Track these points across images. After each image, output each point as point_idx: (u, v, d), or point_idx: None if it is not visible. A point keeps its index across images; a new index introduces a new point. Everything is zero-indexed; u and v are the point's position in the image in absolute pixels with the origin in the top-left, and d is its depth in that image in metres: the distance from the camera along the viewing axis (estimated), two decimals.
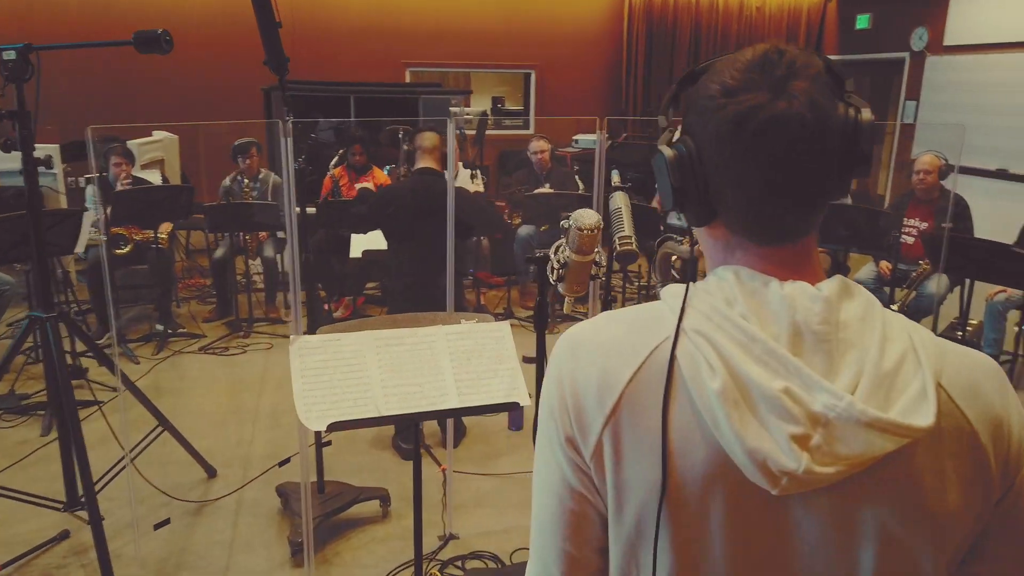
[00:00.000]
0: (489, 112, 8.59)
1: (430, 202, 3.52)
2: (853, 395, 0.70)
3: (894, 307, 4.80)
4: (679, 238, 1.55)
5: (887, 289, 4.93)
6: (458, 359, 2.08)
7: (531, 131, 9.15)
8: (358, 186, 5.40)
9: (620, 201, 1.66)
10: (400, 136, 5.92)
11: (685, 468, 0.74)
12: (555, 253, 1.68)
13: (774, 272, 0.76)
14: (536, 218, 5.68)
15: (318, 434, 3.03)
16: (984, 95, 7.67)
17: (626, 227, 1.58)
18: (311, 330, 2.39)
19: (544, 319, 2.20)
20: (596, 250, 1.58)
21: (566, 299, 1.74)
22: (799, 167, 0.73)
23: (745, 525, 0.74)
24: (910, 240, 4.87)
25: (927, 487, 0.72)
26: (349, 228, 4.88)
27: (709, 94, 0.76)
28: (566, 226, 1.62)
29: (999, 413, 0.75)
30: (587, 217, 1.57)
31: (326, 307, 5.43)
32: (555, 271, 1.67)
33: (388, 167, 5.93)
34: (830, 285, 0.75)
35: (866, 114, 0.74)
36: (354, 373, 1.97)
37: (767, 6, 9.75)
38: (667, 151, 0.79)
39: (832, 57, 10.08)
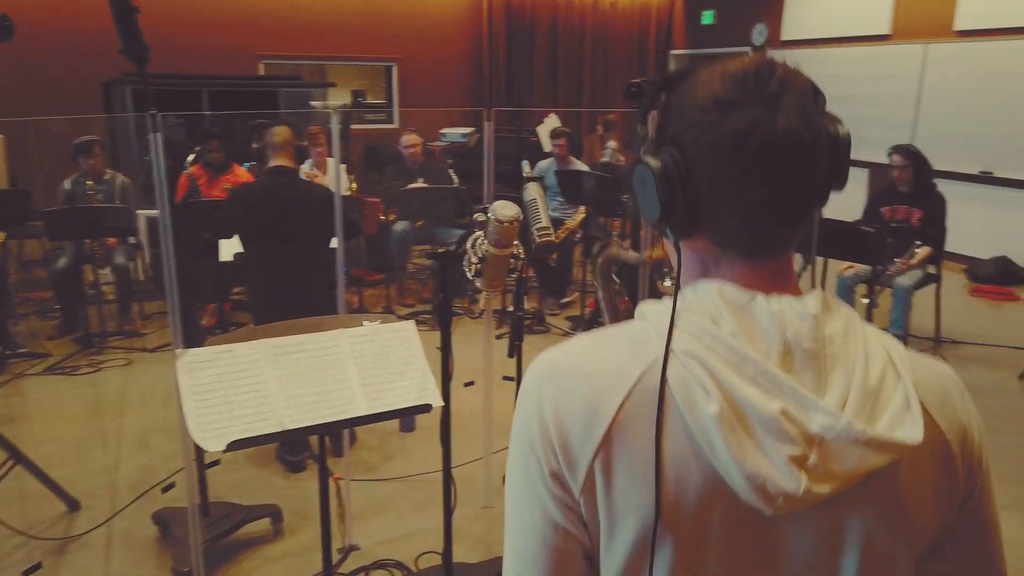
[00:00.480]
0: (350, 105, 8.34)
1: (290, 203, 3.35)
2: (843, 412, 0.70)
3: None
4: (621, 241, 1.54)
5: None
6: (364, 363, 1.97)
7: (395, 125, 8.99)
8: (227, 187, 5.07)
9: (535, 192, 1.62)
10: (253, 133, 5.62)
11: (680, 493, 0.72)
12: (472, 246, 1.62)
13: (758, 286, 0.75)
14: (411, 214, 5.57)
15: (201, 452, 2.81)
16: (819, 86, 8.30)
17: (543, 218, 1.55)
18: (186, 343, 2.20)
19: (448, 316, 2.14)
20: (515, 243, 1.54)
21: (483, 295, 1.69)
22: (796, 183, 0.73)
23: (738, 545, 0.73)
24: None
25: (908, 497, 0.74)
26: (211, 231, 4.57)
27: (699, 105, 0.73)
28: (482, 219, 1.56)
29: (964, 421, 0.78)
30: (506, 209, 1.52)
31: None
32: (473, 266, 1.61)
33: (248, 164, 5.61)
34: (815, 301, 0.74)
35: (843, 130, 0.76)
36: (252, 386, 1.82)
37: (620, 3, 10.08)
38: (654, 162, 0.76)
39: (680, 52, 10.58)
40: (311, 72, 8.99)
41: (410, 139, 5.82)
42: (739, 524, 0.72)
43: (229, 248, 4.26)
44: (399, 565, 2.78)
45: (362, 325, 2.02)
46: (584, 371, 0.75)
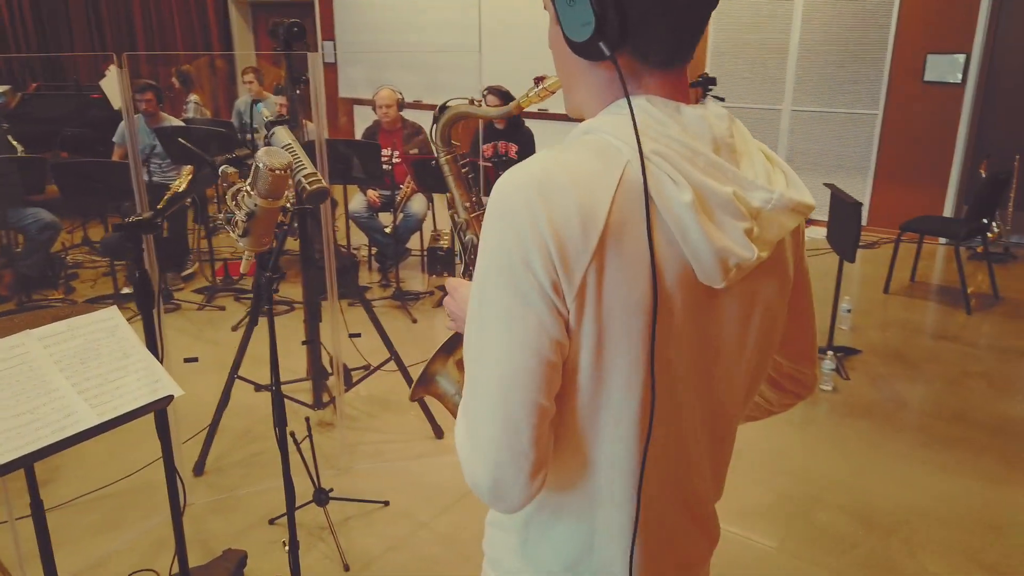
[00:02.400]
0: None
1: None
2: (774, 186, 0.84)
3: (387, 229, 5.27)
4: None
5: (379, 215, 5.35)
6: (70, 366, 1.59)
7: None
8: None
9: (286, 136, 1.45)
10: None
11: (663, 280, 0.80)
12: (233, 201, 1.40)
13: (674, 97, 0.84)
14: None
15: None
16: (387, 33, 8.71)
17: (306, 163, 1.40)
18: None
19: (149, 297, 1.84)
20: (286, 193, 1.37)
21: (244, 256, 1.48)
22: None
23: (693, 322, 0.84)
24: (388, 168, 5.34)
25: (788, 261, 0.93)
26: None
27: None
28: (231, 170, 1.36)
29: None
30: (277, 155, 1.34)
31: None
32: (240, 224, 1.40)
33: None
34: (719, 107, 0.86)
35: None
36: None
37: None
38: None
39: None
40: None
41: None
42: (695, 303, 0.83)
43: None
44: None
45: (52, 322, 1.63)
46: (570, 181, 0.77)
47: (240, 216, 1.36)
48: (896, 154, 6.48)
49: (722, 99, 5.24)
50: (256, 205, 1.34)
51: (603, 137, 0.81)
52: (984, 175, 5.86)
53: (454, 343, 1.25)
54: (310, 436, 2.68)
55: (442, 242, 5.54)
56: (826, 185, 4.25)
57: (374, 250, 5.74)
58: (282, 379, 3.78)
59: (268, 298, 1.63)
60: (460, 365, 1.26)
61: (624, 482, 0.87)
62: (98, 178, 4.55)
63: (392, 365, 3.35)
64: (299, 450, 2.60)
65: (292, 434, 2.67)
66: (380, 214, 5.41)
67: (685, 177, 0.78)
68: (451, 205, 1.21)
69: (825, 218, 4.27)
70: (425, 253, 5.62)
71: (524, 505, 0.84)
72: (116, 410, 1.59)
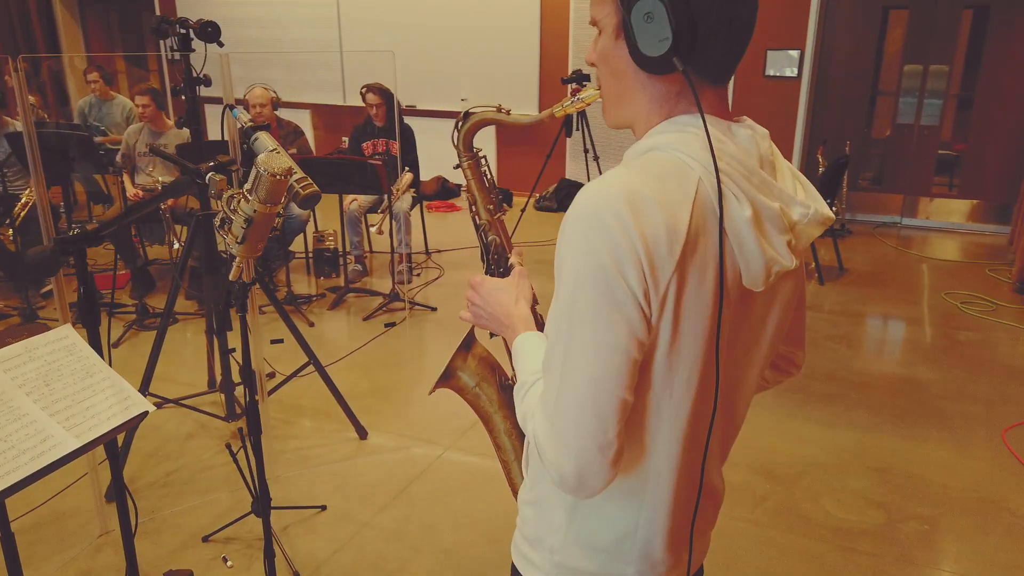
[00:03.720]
0: None
1: None
2: (809, 201, 0.96)
3: (276, 232, 5.11)
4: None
5: None
6: (36, 389, 1.50)
7: None
8: None
9: (271, 141, 1.43)
10: None
11: (724, 285, 0.91)
12: (230, 208, 1.36)
13: (721, 113, 0.94)
14: None
15: None
16: (243, 28, 8.36)
17: (295, 167, 1.39)
18: None
19: (95, 314, 1.77)
20: (282, 198, 1.36)
21: (235, 263, 1.44)
22: (755, 4, 0.92)
23: (739, 318, 0.96)
24: None
25: (801, 263, 1.05)
26: None
27: None
28: (219, 178, 1.33)
29: None
30: (278, 160, 1.32)
31: None
32: (241, 231, 1.37)
33: None
34: (757, 125, 0.98)
35: None
36: None
37: None
38: None
39: None
40: None
41: None
42: (740, 301, 0.94)
43: None
44: None
45: (8, 343, 1.52)
46: (654, 197, 0.85)
47: (240, 222, 1.33)
48: None
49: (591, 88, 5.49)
50: (255, 211, 1.31)
51: (675, 155, 0.89)
52: (821, 160, 6.53)
53: (471, 340, 1.31)
54: (244, 447, 2.60)
55: (327, 243, 5.44)
56: None
57: None
58: (187, 392, 3.62)
59: (242, 304, 1.59)
60: (480, 360, 1.32)
61: (672, 463, 0.97)
62: None
63: (309, 369, 3.29)
64: (235, 461, 2.53)
65: (229, 446, 2.60)
66: None
67: (744, 194, 0.89)
68: (473, 207, 1.27)
69: None
70: (311, 255, 5.50)
71: (603, 490, 0.91)
72: (92, 431, 1.52)
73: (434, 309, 4.88)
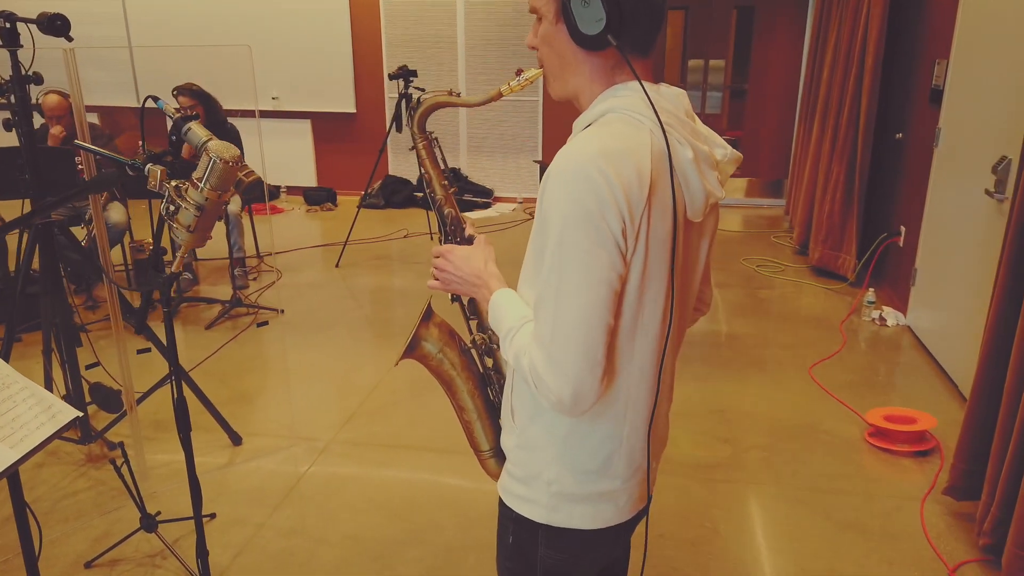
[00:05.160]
0: None
1: None
2: (725, 144, 1.20)
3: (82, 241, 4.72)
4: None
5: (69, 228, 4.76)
6: None
7: None
8: None
9: (204, 132, 1.43)
10: None
11: (678, 218, 1.11)
12: (180, 196, 1.34)
13: (650, 80, 1.14)
14: None
15: None
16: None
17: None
18: None
19: (11, 325, 1.66)
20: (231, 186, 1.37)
21: (179, 255, 1.42)
22: None
23: (685, 245, 1.17)
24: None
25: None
26: None
27: None
28: (155, 168, 1.32)
29: None
30: (228, 148, 1.33)
31: None
32: (193, 219, 1.35)
33: None
34: (673, 87, 1.19)
35: None
36: None
37: None
38: None
39: None
40: None
41: None
42: (685, 232, 1.15)
43: None
44: None
45: None
46: (627, 149, 1.04)
47: (192, 211, 1.31)
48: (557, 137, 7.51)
49: (422, 89, 5.62)
50: (206, 199, 1.31)
51: (626, 115, 1.08)
52: None
53: (430, 311, 1.43)
54: (127, 460, 2.48)
55: (147, 253, 5.11)
56: (536, 162, 4.87)
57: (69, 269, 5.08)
58: None
59: (166, 301, 1.55)
60: (440, 327, 1.44)
61: (646, 376, 1.16)
62: None
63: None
64: (121, 477, 2.41)
65: (113, 462, 2.47)
66: (71, 227, 4.82)
67: (685, 139, 1.10)
68: (428, 185, 1.38)
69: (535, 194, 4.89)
70: (132, 267, 5.14)
71: (593, 406, 1.08)
72: (26, 442, 1.45)
73: (281, 311, 4.78)
